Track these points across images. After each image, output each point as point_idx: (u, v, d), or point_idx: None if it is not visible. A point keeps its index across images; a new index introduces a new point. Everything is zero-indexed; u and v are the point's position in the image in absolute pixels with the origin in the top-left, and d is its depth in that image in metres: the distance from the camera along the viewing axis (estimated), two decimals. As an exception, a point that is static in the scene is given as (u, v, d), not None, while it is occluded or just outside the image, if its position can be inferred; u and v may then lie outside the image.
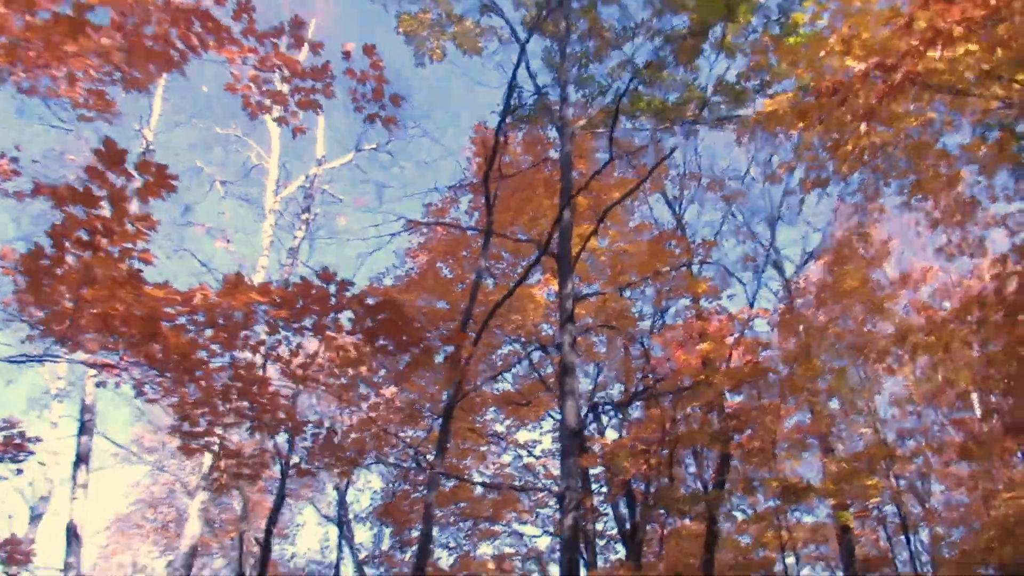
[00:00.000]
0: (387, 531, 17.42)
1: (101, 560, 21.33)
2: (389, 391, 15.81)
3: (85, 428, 11.40)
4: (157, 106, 13.38)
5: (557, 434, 14.41)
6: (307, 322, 4.88)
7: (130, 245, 3.71)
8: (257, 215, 15.34)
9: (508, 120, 12.17)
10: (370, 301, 4.27)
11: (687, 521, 16.46)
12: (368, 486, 21.55)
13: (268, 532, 9.05)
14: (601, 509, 15.57)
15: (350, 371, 5.33)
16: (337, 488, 20.62)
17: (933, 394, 16.51)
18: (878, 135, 8.16)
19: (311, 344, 5.45)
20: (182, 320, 4.89)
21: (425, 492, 9.72)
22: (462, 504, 15.84)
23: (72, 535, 10.51)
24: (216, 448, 5.75)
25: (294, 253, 14.66)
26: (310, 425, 5.39)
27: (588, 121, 12.60)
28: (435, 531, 17.83)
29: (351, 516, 20.16)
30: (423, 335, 4.46)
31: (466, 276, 14.78)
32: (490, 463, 15.81)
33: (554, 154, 14.14)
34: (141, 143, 12.94)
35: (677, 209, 17.24)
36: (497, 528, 16.72)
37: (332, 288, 4.24)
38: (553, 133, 14.58)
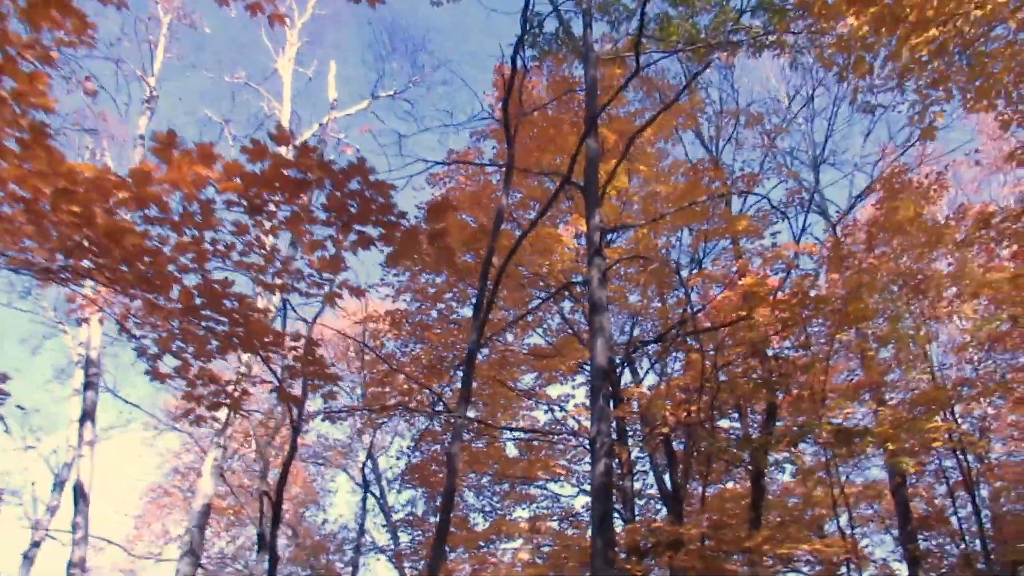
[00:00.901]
0: (418, 493, 16.93)
1: (136, 530, 21.31)
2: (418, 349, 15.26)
3: (90, 383, 10.94)
4: (160, 52, 12.76)
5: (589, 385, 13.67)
6: (277, 212, 4.18)
7: (23, 89, 3.00)
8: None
9: (528, 49, 11.35)
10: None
11: (731, 484, 15.60)
12: (401, 451, 21.12)
13: (280, 485, 8.48)
14: (639, 467, 14.83)
15: (333, 277, 4.62)
16: (370, 455, 20.22)
17: (995, 338, 15.32)
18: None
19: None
20: (137, 223, 4.23)
21: (448, 443, 9.07)
22: (495, 465, 15.24)
23: (79, 494, 10.08)
24: (193, 374, 5.12)
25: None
26: (288, 338, 4.71)
27: (614, 47, 11.71)
28: (470, 496, 17.29)
29: (383, 482, 19.75)
30: (399, 213, 3.71)
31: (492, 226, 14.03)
32: (522, 417, 15.17)
33: (580, 94, 13.30)
34: (144, 89, 12.33)
35: (714, 150, 16.25)
36: (533, 491, 16.13)
37: (292, 154, 3.50)
38: (579, 71, 13.70)
